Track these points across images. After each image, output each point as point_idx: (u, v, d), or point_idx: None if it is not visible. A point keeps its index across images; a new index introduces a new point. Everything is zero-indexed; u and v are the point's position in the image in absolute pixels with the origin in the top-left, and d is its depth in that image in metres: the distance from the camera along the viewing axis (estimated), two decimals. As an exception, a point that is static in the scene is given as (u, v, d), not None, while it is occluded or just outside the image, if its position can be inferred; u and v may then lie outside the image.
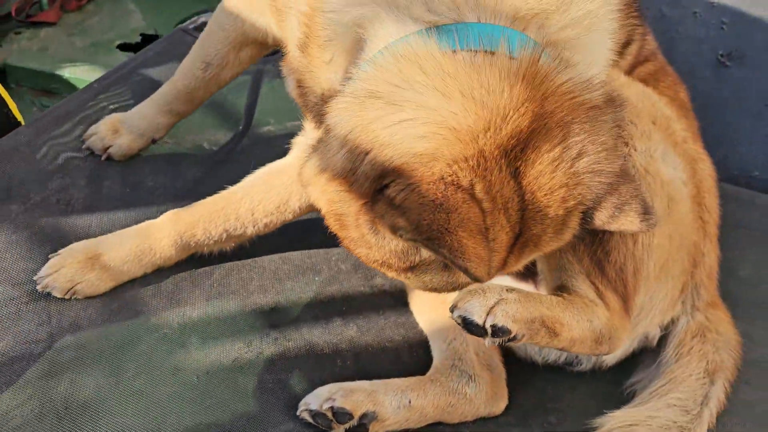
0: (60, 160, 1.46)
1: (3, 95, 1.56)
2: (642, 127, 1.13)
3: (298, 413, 1.05)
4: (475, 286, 0.93)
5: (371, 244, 0.89)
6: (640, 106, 1.16)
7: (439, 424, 1.10)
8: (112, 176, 1.47)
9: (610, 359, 1.20)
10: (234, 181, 1.29)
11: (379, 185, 0.84)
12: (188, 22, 2.08)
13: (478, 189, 0.82)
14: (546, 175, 0.85)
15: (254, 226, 1.23)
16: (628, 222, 0.93)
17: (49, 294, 1.19)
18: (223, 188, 1.27)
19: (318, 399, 1.04)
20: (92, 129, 1.49)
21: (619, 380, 1.21)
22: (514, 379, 1.19)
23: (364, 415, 1.03)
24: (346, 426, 1.03)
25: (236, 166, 1.45)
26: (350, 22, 0.91)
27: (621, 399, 1.18)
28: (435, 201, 0.80)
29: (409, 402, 1.07)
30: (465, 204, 0.81)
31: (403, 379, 1.10)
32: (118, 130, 1.47)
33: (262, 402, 1.08)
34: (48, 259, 1.20)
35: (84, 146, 1.49)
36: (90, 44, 2.62)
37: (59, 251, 1.22)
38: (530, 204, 0.86)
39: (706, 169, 1.28)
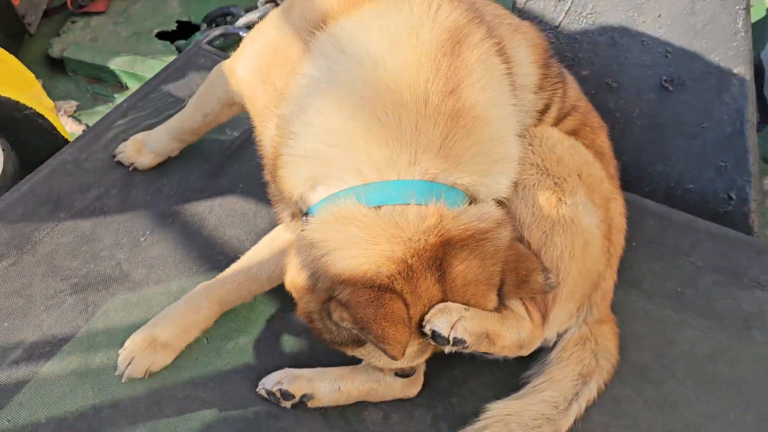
0: (97, 173, 1.84)
1: (53, 122, 1.93)
2: (571, 184, 1.40)
3: (257, 390, 1.43)
4: (442, 305, 1.20)
5: (331, 332, 1.22)
6: (569, 161, 1.42)
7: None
8: (137, 185, 1.84)
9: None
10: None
11: (331, 294, 1.16)
12: (203, 36, 2.37)
13: (405, 291, 1.15)
14: (459, 278, 1.19)
15: (270, 284, 1.55)
16: (534, 289, 1.26)
17: (87, 287, 1.60)
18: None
19: (271, 382, 1.42)
20: (121, 147, 1.86)
21: (517, 372, 1.53)
22: (433, 364, 1.53)
23: (303, 395, 1.41)
24: (291, 402, 1.41)
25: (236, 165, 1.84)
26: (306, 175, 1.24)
27: (515, 388, 1.50)
28: (368, 300, 1.12)
29: (339, 387, 1.43)
30: (390, 302, 1.13)
31: (337, 368, 1.46)
32: (140, 150, 1.83)
33: (234, 380, 1.47)
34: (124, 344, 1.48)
35: (115, 160, 1.87)
36: (132, 33, 2.97)
37: (125, 345, 1.47)
38: (451, 297, 1.20)
39: (618, 207, 1.54)
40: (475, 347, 1.28)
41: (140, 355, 1.46)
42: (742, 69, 1.78)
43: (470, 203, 1.23)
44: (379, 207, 1.17)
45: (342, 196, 1.19)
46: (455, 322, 1.20)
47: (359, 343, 1.23)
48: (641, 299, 1.66)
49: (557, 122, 1.49)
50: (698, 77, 1.83)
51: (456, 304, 1.22)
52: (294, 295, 1.26)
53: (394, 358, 1.14)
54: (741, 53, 1.77)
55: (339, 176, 1.20)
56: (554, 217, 1.33)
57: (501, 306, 1.35)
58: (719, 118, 1.84)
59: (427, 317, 1.20)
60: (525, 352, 1.42)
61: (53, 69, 2.92)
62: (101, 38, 2.93)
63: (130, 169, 1.85)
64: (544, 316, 1.40)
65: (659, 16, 1.82)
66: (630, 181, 1.98)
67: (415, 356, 1.27)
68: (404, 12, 1.22)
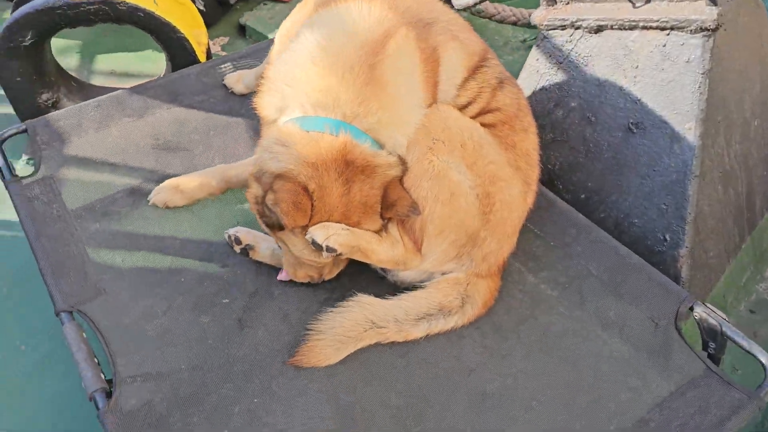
0: (208, 87, 2.64)
1: (195, 48, 2.80)
2: (448, 147, 1.87)
3: (224, 233, 2.08)
4: (324, 224, 1.79)
5: (266, 215, 1.80)
6: (455, 132, 1.88)
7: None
8: (232, 99, 2.62)
9: (408, 278, 1.98)
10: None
11: (270, 184, 1.77)
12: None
13: (316, 194, 1.74)
14: (356, 197, 1.76)
15: None
16: (399, 212, 1.79)
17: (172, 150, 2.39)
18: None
19: (232, 230, 2.09)
20: (228, 76, 2.65)
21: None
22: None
23: (248, 245, 2.04)
24: (239, 247, 2.04)
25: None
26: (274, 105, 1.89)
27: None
28: (287, 189, 1.73)
29: (272, 251, 2.02)
30: (301, 195, 1.72)
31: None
32: (238, 81, 2.62)
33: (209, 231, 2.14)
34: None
35: (222, 83, 2.66)
36: (299, 19, 3.86)
37: (160, 185, 2.22)
38: (347, 211, 1.77)
39: (509, 189, 1.94)
40: (349, 255, 1.81)
41: (165, 192, 2.21)
42: (693, 125, 2.03)
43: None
44: (308, 132, 1.77)
45: (288, 122, 1.82)
46: (330, 236, 1.76)
47: (281, 228, 1.81)
48: (534, 279, 2.02)
49: (476, 116, 1.94)
50: (657, 125, 2.11)
51: (335, 224, 1.77)
52: (249, 183, 1.89)
53: (285, 226, 1.73)
54: (694, 111, 2.03)
55: (291, 108, 1.84)
56: (425, 167, 1.80)
57: (384, 231, 1.86)
58: (667, 165, 2.10)
59: (310, 230, 1.76)
60: (404, 269, 1.92)
61: (239, 32, 3.90)
62: (275, 18, 3.85)
63: (230, 91, 2.63)
64: (416, 244, 1.87)
65: (636, 67, 2.14)
66: (590, 204, 2.31)
67: (310, 252, 1.82)
68: (362, 9, 1.82)
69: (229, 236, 2.07)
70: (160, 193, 2.21)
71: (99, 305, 1.90)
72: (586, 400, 1.76)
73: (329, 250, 1.75)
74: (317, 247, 1.76)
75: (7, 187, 2.21)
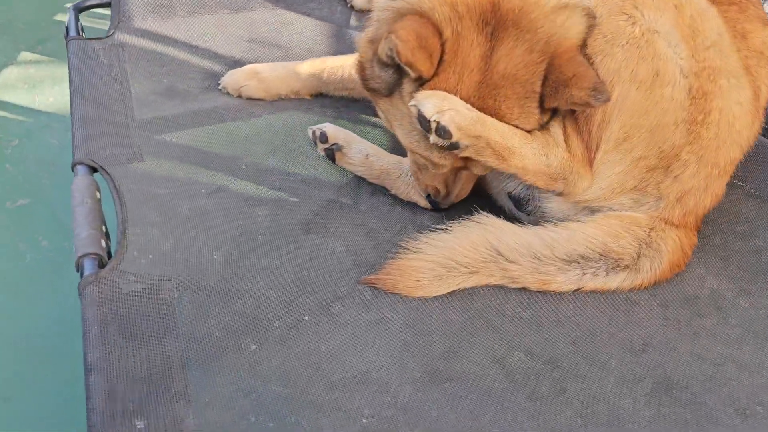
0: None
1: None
2: (658, 3, 1.24)
3: (308, 130, 1.56)
4: (443, 93, 1.21)
5: (374, 78, 1.26)
6: None
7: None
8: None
9: (558, 213, 1.35)
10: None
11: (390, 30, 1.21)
12: None
13: (446, 29, 1.17)
14: (501, 64, 1.17)
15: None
16: (575, 97, 1.16)
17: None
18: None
19: (318, 126, 1.53)
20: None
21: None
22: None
23: (335, 144, 1.49)
24: (324, 147, 1.50)
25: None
26: None
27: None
28: (411, 20, 1.18)
29: (367, 155, 1.47)
30: (428, 30, 1.17)
31: (370, 144, 1.50)
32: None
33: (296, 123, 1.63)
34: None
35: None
36: None
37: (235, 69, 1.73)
38: (490, 77, 1.18)
39: (738, 92, 1.28)
40: (474, 153, 1.20)
41: (241, 76, 1.72)
42: None
43: None
44: None
45: None
46: (445, 109, 1.16)
47: (393, 89, 1.25)
48: (746, 246, 1.33)
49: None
50: None
51: (457, 99, 1.19)
52: (358, 51, 1.35)
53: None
54: None
55: None
56: (620, 25, 1.19)
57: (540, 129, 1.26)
58: None
59: (417, 95, 1.18)
60: (560, 188, 1.28)
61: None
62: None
63: (348, 5, 2.17)
64: (589, 151, 1.25)
65: None
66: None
67: (416, 135, 1.25)
68: None
69: (314, 132, 1.54)
70: (234, 76, 1.73)
71: (129, 170, 1.40)
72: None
73: (441, 131, 1.16)
74: (423, 124, 1.17)
75: (67, 45, 1.83)
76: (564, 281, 1.24)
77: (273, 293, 1.17)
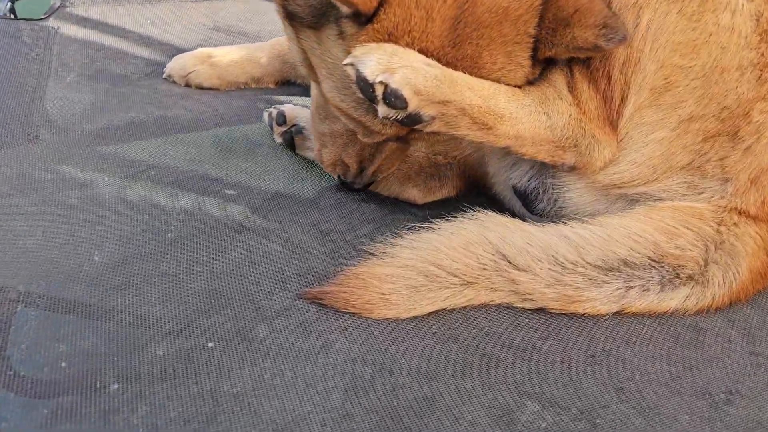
0: None
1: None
2: None
3: (263, 113, 1.21)
4: (392, 46, 0.83)
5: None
6: None
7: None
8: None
9: (576, 202, 0.96)
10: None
11: None
12: None
13: None
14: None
15: None
16: (578, 39, 0.82)
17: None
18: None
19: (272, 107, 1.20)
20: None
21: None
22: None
23: (295, 126, 1.14)
24: (282, 129, 1.16)
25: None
26: None
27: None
28: None
29: None
30: None
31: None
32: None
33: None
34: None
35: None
36: None
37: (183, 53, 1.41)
38: (471, 13, 0.83)
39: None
40: (444, 126, 0.85)
41: (188, 60, 1.38)
42: None
43: None
44: None
45: None
46: (396, 67, 0.80)
47: (321, 19, 0.87)
48: None
49: None
50: None
51: (413, 52, 0.83)
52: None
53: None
54: None
55: None
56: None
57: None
58: None
59: (355, 49, 0.82)
60: (571, 159, 0.90)
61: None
62: None
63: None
64: (607, 101, 0.87)
65: None
66: None
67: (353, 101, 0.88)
68: None
69: (270, 114, 1.19)
70: (180, 60, 1.39)
71: (14, 152, 1.07)
72: None
73: (391, 98, 0.80)
74: (365, 89, 0.81)
75: (-10, 25, 1.54)
76: (600, 298, 0.85)
77: (164, 310, 0.79)
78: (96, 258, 0.86)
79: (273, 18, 1.68)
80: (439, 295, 0.84)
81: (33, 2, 1.81)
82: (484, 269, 0.86)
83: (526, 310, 0.85)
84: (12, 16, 1.58)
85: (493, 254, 0.86)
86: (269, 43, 1.43)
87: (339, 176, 1.04)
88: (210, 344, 0.75)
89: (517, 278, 0.85)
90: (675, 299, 0.87)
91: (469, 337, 0.81)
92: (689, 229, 0.88)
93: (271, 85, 1.43)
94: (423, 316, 0.83)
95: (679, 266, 0.87)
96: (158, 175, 1.07)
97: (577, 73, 0.89)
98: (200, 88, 1.40)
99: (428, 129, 0.86)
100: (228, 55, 1.42)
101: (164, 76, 1.41)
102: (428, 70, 0.82)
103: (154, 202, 0.99)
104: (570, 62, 0.90)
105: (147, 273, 0.85)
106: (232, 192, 1.05)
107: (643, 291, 0.86)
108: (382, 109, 0.82)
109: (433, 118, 0.84)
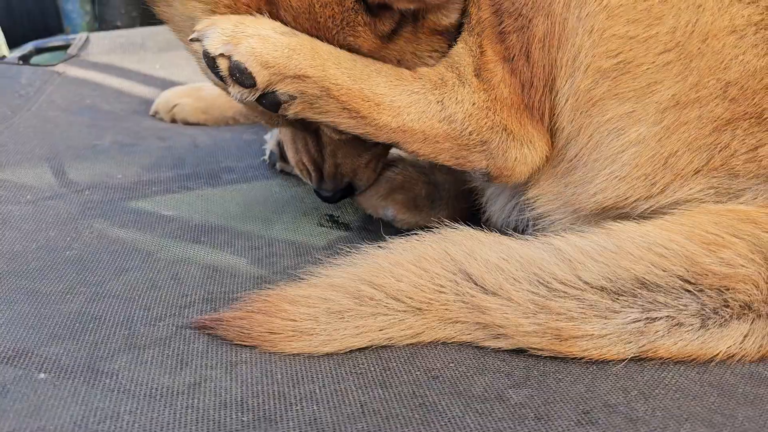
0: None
1: None
2: None
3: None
4: (236, 16, 0.69)
5: None
6: None
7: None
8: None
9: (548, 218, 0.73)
10: None
11: None
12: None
13: None
14: None
15: None
16: None
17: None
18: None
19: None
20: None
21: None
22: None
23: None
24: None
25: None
26: None
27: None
28: None
29: None
30: None
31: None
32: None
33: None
34: None
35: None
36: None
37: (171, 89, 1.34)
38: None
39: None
40: (306, 108, 0.69)
41: (173, 94, 1.29)
42: None
43: None
44: None
45: None
46: (243, 36, 0.66)
47: None
48: None
49: None
50: None
51: (270, 21, 0.68)
52: None
53: None
54: None
55: None
56: None
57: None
58: None
59: (200, 22, 0.68)
60: (482, 163, 0.71)
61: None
62: None
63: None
64: (530, 91, 0.67)
65: None
66: None
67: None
68: None
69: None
70: (166, 95, 1.29)
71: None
72: None
73: (237, 73, 0.65)
74: (210, 65, 0.66)
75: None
76: (606, 334, 0.58)
77: (8, 331, 0.61)
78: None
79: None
80: (371, 324, 0.60)
81: (55, 56, 1.83)
82: (440, 292, 0.62)
83: (499, 351, 0.61)
84: (21, 62, 1.57)
85: (454, 273, 0.63)
86: None
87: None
88: (41, 375, 0.56)
89: (483, 304, 0.60)
90: (726, 339, 0.59)
91: (407, 382, 0.56)
92: (738, 237, 0.61)
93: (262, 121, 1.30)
94: (347, 353, 0.60)
95: (728, 289, 0.59)
96: (90, 197, 0.92)
97: (488, 51, 0.69)
98: (186, 123, 1.29)
99: (291, 112, 0.69)
100: (217, 88, 1.31)
101: (150, 113, 1.31)
102: (280, 39, 0.67)
103: (70, 220, 0.84)
104: (480, 38, 0.70)
105: (13, 290, 0.68)
106: (169, 213, 0.89)
107: (673, 326, 0.59)
108: (233, 89, 0.67)
109: (292, 97, 0.68)
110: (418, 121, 0.70)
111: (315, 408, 0.52)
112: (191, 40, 0.68)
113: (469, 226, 0.68)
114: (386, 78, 0.69)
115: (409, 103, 0.69)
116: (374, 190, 0.90)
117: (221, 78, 0.67)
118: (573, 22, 0.66)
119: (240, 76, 0.65)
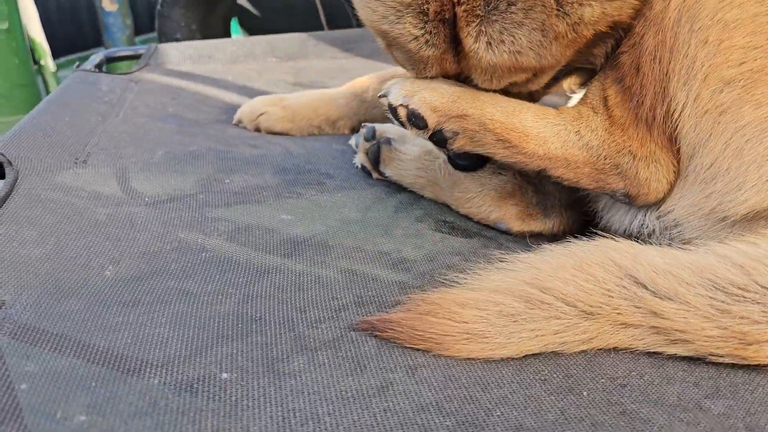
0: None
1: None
2: None
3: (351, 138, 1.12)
4: (405, 78, 0.85)
5: None
6: None
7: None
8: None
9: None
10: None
11: None
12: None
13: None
14: None
15: None
16: None
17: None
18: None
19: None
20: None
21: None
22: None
23: (384, 138, 0.98)
24: (370, 143, 1.01)
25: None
26: None
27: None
28: None
29: (428, 151, 0.95)
30: None
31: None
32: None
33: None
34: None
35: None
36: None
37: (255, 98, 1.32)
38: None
39: None
40: (468, 143, 0.79)
41: (258, 103, 1.27)
42: None
43: None
44: None
45: None
46: (417, 90, 0.82)
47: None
48: None
49: None
50: None
51: (443, 80, 0.83)
52: None
53: None
54: None
55: None
56: None
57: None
58: None
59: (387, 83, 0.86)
60: (620, 184, 0.75)
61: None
62: None
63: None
64: (640, 104, 0.70)
65: None
66: None
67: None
68: None
69: (358, 133, 1.05)
70: (250, 104, 1.28)
71: (58, 177, 0.96)
72: None
73: (413, 119, 0.80)
74: (394, 116, 0.83)
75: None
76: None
77: (173, 332, 0.61)
78: (108, 273, 0.70)
79: (360, 74, 1.60)
80: (546, 328, 0.59)
81: (126, 65, 1.84)
82: (609, 296, 0.61)
83: (672, 357, 0.59)
84: (97, 70, 1.58)
85: (620, 278, 0.62)
86: (345, 85, 1.31)
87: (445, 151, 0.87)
88: (224, 375, 0.55)
89: (658, 308, 0.59)
90: None
91: (595, 389, 0.55)
92: None
93: (347, 131, 1.29)
94: (523, 359, 0.59)
95: None
96: (206, 199, 0.92)
97: (609, 78, 0.74)
98: (271, 132, 1.29)
99: (455, 146, 0.81)
100: (301, 98, 1.30)
101: (234, 122, 1.31)
102: (447, 89, 0.81)
103: (196, 221, 0.84)
104: (605, 69, 0.76)
105: (164, 290, 0.67)
106: (289, 217, 0.88)
107: None
108: (410, 132, 0.83)
109: (456, 133, 0.80)
110: (561, 148, 0.76)
111: (516, 414, 0.51)
112: (379, 97, 0.86)
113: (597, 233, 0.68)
114: (533, 113, 0.77)
115: (552, 133, 0.76)
116: (484, 199, 0.90)
117: (401, 123, 0.83)
118: (684, 34, 0.68)
119: (415, 120, 0.80)
